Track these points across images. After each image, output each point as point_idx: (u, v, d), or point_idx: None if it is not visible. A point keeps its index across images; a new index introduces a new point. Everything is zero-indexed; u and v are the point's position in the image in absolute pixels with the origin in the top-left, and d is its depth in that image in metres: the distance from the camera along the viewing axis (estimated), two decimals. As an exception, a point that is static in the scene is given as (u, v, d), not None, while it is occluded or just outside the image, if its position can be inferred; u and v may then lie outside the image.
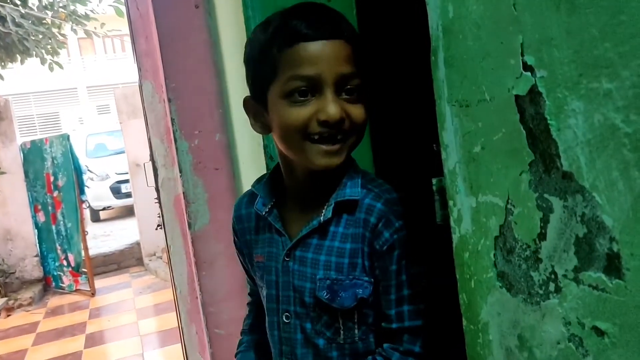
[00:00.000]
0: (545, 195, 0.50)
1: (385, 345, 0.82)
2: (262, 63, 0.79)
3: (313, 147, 0.77)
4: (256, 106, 0.83)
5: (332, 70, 0.74)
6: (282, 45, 0.75)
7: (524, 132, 0.51)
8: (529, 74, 0.49)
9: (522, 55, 0.50)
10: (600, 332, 0.46)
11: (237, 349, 1.03)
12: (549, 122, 0.48)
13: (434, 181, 0.75)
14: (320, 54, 0.74)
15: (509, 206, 0.55)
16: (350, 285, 0.80)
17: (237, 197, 1.11)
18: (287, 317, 0.86)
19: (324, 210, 0.82)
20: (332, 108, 0.74)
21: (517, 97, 0.51)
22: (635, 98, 0.39)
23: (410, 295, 0.81)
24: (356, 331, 0.83)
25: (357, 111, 0.78)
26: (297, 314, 0.84)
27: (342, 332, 0.82)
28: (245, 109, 0.87)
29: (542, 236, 0.51)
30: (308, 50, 0.74)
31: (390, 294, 0.81)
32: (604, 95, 0.42)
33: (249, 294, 1.07)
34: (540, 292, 0.53)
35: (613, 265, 0.44)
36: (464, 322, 0.67)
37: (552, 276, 0.51)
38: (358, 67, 0.78)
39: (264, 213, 0.87)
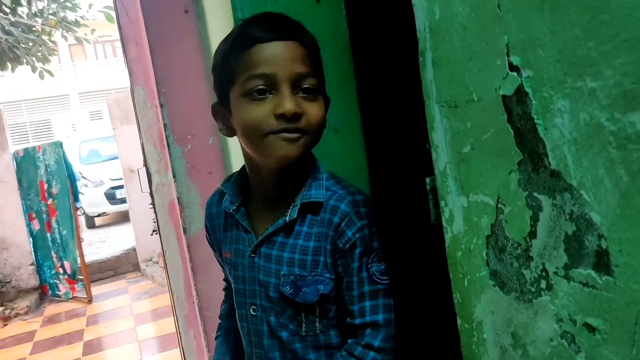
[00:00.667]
0: (535, 194, 0.50)
1: (349, 340, 0.86)
2: (223, 69, 0.83)
3: (274, 138, 0.79)
4: (222, 110, 0.87)
5: (287, 69, 0.78)
6: (239, 49, 0.80)
7: (512, 131, 0.51)
8: (515, 74, 0.50)
9: (508, 55, 0.50)
10: (591, 329, 0.47)
11: (217, 332, 1.10)
12: (535, 121, 0.48)
13: (427, 180, 0.76)
14: (275, 54, 0.78)
15: (499, 205, 0.55)
16: (312, 282, 0.84)
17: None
18: (254, 310, 0.90)
19: (289, 210, 0.85)
20: (288, 102, 0.77)
21: (504, 97, 0.52)
22: (619, 96, 0.39)
23: (371, 292, 0.84)
24: (317, 324, 0.87)
25: (313, 109, 0.81)
26: (263, 307, 0.89)
27: (304, 325, 0.87)
28: (213, 115, 0.91)
29: (532, 234, 0.52)
30: (263, 51, 0.78)
31: (353, 290, 0.85)
32: (588, 94, 0.42)
33: (224, 279, 1.11)
34: (532, 289, 0.53)
35: (602, 262, 0.44)
36: (459, 321, 0.67)
37: (544, 274, 0.51)
38: (313, 68, 0.82)
39: (231, 211, 0.91)
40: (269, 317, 0.88)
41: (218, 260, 1.05)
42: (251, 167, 0.89)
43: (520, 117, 0.50)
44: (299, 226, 0.85)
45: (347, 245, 0.83)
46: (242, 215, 0.90)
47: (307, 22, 1.30)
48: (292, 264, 0.85)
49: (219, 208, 0.97)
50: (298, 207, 0.84)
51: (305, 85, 0.80)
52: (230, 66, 0.81)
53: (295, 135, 0.79)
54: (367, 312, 0.84)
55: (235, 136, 0.87)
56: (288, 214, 0.85)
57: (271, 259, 0.87)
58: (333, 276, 0.85)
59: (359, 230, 0.83)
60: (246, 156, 0.89)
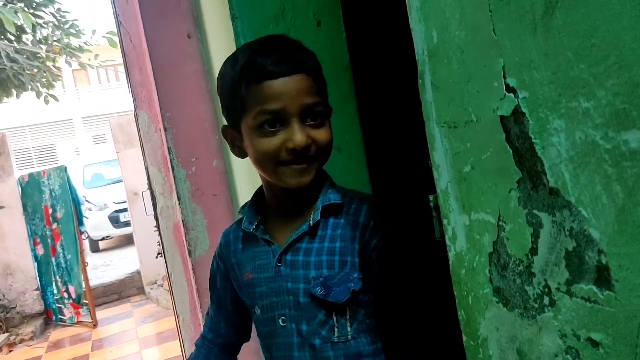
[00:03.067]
0: (535, 211, 0.51)
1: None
2: (232, 98, 0.86)
3: (285, 169, 0.85)
4: (233, 133, 0.91)
5: (296, 103, 0.82)
6: (249, 82, 0.83)
7: (511, 150, 0.53)
8: (511, 95, 0.51)
9: (504, 77, 0.51)
10: (595, 344, 0.47)
11: None
12: (533, 140, 0.49)
13: (430, 198, 0.77)
14: (284, 90, 0.82)
15: (500, 223, 0.56)
16: (342, 281, 0.86)
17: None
18: (282, 321, 0.90)
19: (311, 215, 0.89)
20: (298, 137, 0.82)
21: (502, 117, 0.53)
22: (611, 116, 0.41)
23: (409, 288, 0.89)
24: (349, 329, 0.88)
25: (322, 135, 0.85)
26: (292, 316, 0.89)
27: (336, 329, 0.88)
28: (223, 136, 0.94)
29: (533, 251, 0.52)
30: (273, 87, 0.82)
31: (396, 288, 0.89)
32: (583, 114, 0.43)
33: (203, 334, 1.09)
34: (536, 305, 0.54)
35: (603, 277, 0.45)
36: (464, 338, 0.68)
37: (546, 290, 0.52)
38: (319, 95, 0.86)
39: (251, 230, 0.93)
40: (300, 325, 0.89)
41: (217, 300, 1.06)
42: (267, 185, 0.94)
43: (518, 137, 0.51)
44: (322, 230, 0.89)
45: (382, 242, 0.87)
46: (261, 231, 0.93)
47: (307, 45, 1.32)
48: (320, 267, 0.87)
49: (236, 233, 1.00)
50: (320, 209, 0.88)
51: (313, 114, 0.84)
52: (239, 97, 0.84)
53: (305, 165, 0.84)
54: (409, 307, 0.90)
55: (247, 157, 0.91)
56: (311, 218, 0.88)
57: (297, 265, 0.89)
58: (362, 275, 0.87)
59: (389, 226, 0.89)
60: (261, 175, 0.92)
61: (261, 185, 0.97)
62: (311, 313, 0.88)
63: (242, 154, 0.92)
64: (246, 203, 1.00)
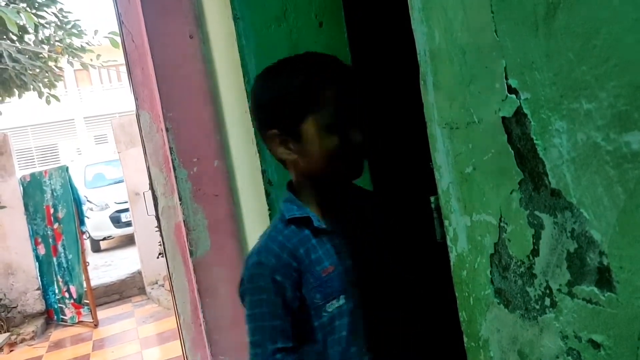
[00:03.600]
0: (536, 213, 0.51)
1: None
2: (295, 102, 0.95)
3: (353, 159, 0.98)
4: (282, 137, 0.98)
5: (355, 103, 0.97)
6: (323, 85, 0.95)
7: (512, 152, 0.53)
8: (513, 96, 0.51)
9: (506, 78, 0.52)
10: (596, 345, 0.47)
11: None
12: (535, 141, 0.50)
13: (432, 199, 0.77)
14: (349, 92, 0.96)
15: (502, 224, 0.56)
16: (386, 246, 1.08)
17: (241, 225, 1.28)
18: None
19: (350, 202, 1.05)
20: (362, 132, 0.96)
21: (503, 118, 0.53)
22: (613, 117, 0.41)
23: (414, 294, 1.09)
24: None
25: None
26: (377, 285, 1.03)
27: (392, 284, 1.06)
28: (268, 142, 1.00)
29: (535, 252, 0.52)
30: (343, 89, 0.95)
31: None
32: (584, 115, 0.43)
33: (281, 348, 0.95)
34: (537, 307, 0.54)
35: (604, 279, 0.45)
36: (465, 339, 0.68)
37: (547, 291, 0.52)
38: None
39: (324, 227, 1.00)
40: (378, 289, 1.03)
41: (286, 309, 0.95)
42: (316, 182, 1.01)
43: (520, 138, 0.51)
44: (358, 211, 1.07)
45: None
46: (329, 225, 1.01)
47: (309, 45, 1.33)
48: (376, 238, 1.07)
49: (297, 235, 0.98)
50: (356, 197, 1.08)
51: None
52: (312, 99, 0.94)
53: (364, 156, 1.00)
54: (410, 307, 1.09)
55: (292, 158, 0.98)
56: (352, 205, 1.06)
57: (368, 243, 1.04)
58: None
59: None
60: (310, 177, 1.00)
61: (291, 189, 1.03)
62: (383, 276, 1.04)
63: (291, 154, 0.98)
64: (291, 207, 1.00)
